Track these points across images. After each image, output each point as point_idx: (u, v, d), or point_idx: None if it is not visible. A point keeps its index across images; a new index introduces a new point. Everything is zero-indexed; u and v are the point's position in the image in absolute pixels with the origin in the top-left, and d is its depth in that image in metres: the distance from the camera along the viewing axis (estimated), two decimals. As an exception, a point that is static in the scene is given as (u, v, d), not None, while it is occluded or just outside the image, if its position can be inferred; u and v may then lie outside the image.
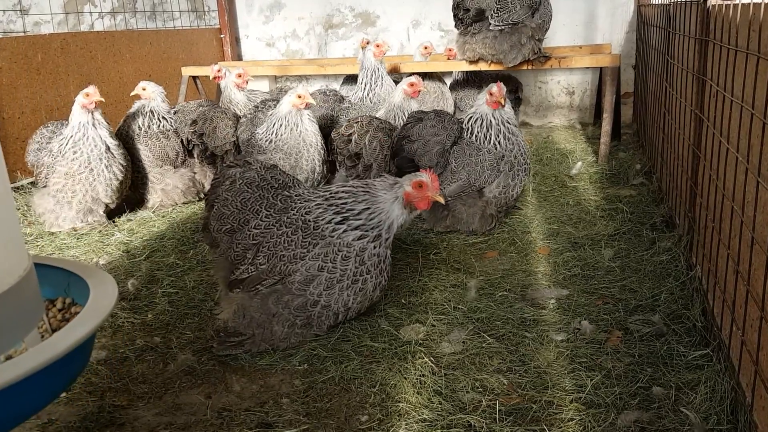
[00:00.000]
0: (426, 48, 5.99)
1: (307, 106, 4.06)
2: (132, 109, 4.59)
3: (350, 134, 3.91)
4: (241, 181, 2.71)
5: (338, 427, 2.08)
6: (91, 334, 1.56)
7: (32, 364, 1.38)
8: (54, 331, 1.77)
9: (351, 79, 6.15)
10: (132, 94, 4.60)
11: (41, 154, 4.17)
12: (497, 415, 2.07)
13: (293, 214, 2.59)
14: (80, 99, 3.97)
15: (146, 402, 2.27)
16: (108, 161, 4.04)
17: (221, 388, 2.34)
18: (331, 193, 2.65)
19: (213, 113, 4.35)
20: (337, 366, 2.41)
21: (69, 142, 4.00)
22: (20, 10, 5.73)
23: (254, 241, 2.57)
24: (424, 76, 5.75)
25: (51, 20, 5.90)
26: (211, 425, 2.12)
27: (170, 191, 4.51)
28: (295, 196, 2.69)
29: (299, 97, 4.02)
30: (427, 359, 2.41)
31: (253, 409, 2.20)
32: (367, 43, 5.49)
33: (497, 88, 3.65)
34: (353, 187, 2.66)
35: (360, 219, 2.55)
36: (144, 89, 4.55)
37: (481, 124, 3.68)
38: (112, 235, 3.99)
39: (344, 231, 2.53)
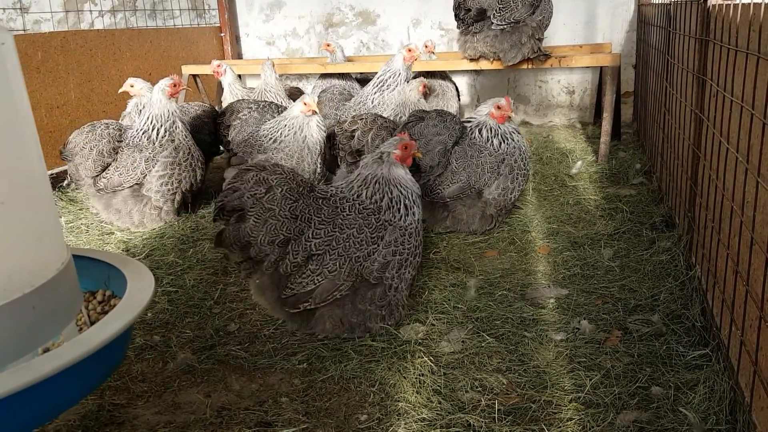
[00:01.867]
0: (427, 47, 6.00)
1: (313, 113, 4.02)
2: (127, 109, 4.59)
3: (353, 130, 3.92)
4: (280, 189, 2.51)
5: (337, 426, 2.08)
6: (125, 329, 1.56)
7: (65, 359, 1.39)
8: (93, 323, 1.78)
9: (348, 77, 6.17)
10: (120, 91, 4.59)
11: (126, 152, 3.92)
12: (496, 415, 2.07)
13: (348, 215, 2.58)
14: (166, 88, 3.92)
15: (146, 401, 2.27)
16: (194, 148, 4.08)
17: (221, 387, 2.34)
18: (359, 187, 2.68)
19: (240, 105, 4.39)
20: (336, 365, 2.41)
21: (164, 132, 3.92)
22: (20, 9, 5.72)
23: (318, 251, 2.50)
24: (431, 75, 5.78)
25: (51, 18, 5.89)
26: (211, 424, 2.12)
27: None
28: (330, 197, 2.65)
29: (305, 104, 4.00)
30: (426, 358, 2.42)
31: (253, 408, 2.20)
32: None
33: (506, 102, 3.64)
34: (366, 176, 2.70)
35: (398, 199, 2.66)
36: (132, 86, 4.54)
37: (486, 133, 3.68)
38: (112, 233, 3.99)
39: (399, 213, 2.63)
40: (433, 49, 5.75)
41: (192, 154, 4.06)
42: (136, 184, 3.93)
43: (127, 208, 3.97)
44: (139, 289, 1.73)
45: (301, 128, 4.04)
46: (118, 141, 3.96)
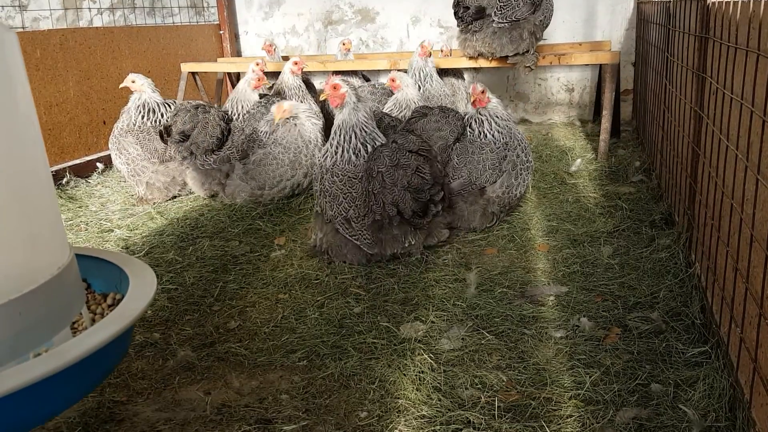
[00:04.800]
0: (423, 47, 5.98)
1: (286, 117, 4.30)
2: (128, 105, 4.59)
3: None
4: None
5: (337, 423, 2.09)
6: (111, 339, 1.50)
7: (42, 369, 1.35)
8: None
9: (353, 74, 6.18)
10: (121, 86, 4.59)
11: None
12: (496, 412, 2.07)
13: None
14: (252, 80, 4.87)
15: (145, 398, 2.28)
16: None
17: (220, 384, 2.34)
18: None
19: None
20: (336, 362, 2.42)
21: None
22: (19, 6, 5.71)
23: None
24: (446, 72, 5.81)
25: (50, 16, 5.88)
26: (211, 421, 2.12)
27: (154, 185, 4.51)
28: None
29: (283, 110, 4.28)
30: (426, 356, 2.42)
31: (253, 405, 2.20)
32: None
33: (471, 89, 3.72)
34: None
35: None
36: (133, 81, 4.54)
37: (475, 122, 3.71)
38: (111, 231, 3.99)
39: None
40: (431, 49, 5.68)
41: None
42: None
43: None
44: (135, 297, 1.69)
45: (294, 123, 4.26)
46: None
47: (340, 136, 3.31)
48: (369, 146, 3.30)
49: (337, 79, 3.34)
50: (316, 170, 3.42)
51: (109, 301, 1.88)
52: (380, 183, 3.10)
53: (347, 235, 3.26)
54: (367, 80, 6.29)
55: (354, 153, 3.29)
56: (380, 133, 3.39)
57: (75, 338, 1.51)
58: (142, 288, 1.73)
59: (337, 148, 3.31)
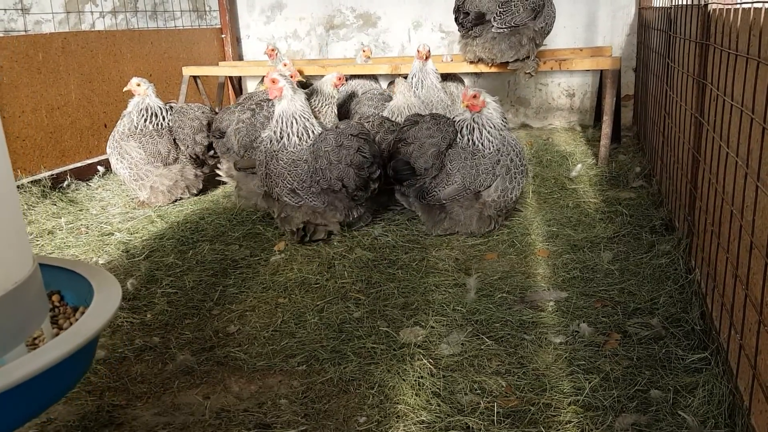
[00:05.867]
0: (419, 52, 5.98)
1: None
2: (128, 108, 4.60)
3: None
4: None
5: (336, 428, 2.08)
6: (60, 360, 1.39)
7: None
8: None
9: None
10: (125, 89, 4.61)
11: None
12: (495, 417, 2.07)
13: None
14: (334, 80, 4.92)
15: (145, 402, 2.27)
16: None
17: (220, 388, 2.34)
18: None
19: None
20: (335, 367, 2.41)
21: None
22: (21, 9, 5.73)
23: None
24: (447, 77, 5.81)
25: (52, 19, 5.90)
26: (210, 426, 2.12)
27: (158, 188, 4.52)
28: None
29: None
30: (425, 361, 2.42)
31: (252, 409, 2.20)
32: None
33: (462, 95, 3.72)
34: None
35: None
36: (138, 85, 4.56)
37: (466, 129, 3.70)
38: (112, 234, 3.99)
39: None
40: (426, 53, 5.64)
41: None
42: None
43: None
44: (94, 315, 1.58)
45: None
46: None
47: (283, 123, 3.70)
48: (310, 131, 3.71)
49: (274, 74, 3.75)
50: (260, 156, 3.79)
51: (78, 315, 1.80)
52: (327, 160, 3.52)
53: (294, 203, 3.69)
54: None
55: (298, 137, 3.69)
56: (316, 121, 3.81)
57: (12, 362, 1.38)
58: (103, 305, 1.63)
59: (281, 134, 3.70)
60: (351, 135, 3.54)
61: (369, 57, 6.31)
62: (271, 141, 3.73)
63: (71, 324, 1.73)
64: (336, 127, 3.66)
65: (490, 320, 2.72)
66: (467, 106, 3.67)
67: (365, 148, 3.54)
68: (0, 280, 1.43)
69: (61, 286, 1.91)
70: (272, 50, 6.44)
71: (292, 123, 3.68)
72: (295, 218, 3.70)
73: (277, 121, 3.73)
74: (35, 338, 1.65)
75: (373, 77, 6.14)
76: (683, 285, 2.86)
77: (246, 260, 3.51)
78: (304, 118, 3.72)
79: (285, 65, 5.43)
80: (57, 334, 1.64)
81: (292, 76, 5.03)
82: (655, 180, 4.27)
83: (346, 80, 5.67)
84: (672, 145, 3.59)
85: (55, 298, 1.87)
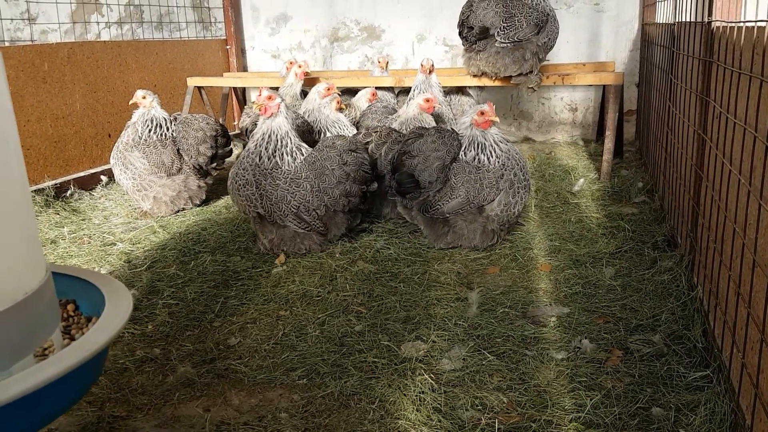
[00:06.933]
0: (422, 66, 6.00)
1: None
2: (133, 119, 4.62)
3: (367, 143, 4.03)
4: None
5: (337, 442, 2.08)
6: (59, 376, 1.36)
7: None
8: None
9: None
10: (131, 102, 4.63)
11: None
12: (496, 434, 2.06)
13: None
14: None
15: (145, 413, 2.27)
16: None
17: (220, 401, 2.33)
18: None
19: None
20: (336, 381, 2.41)
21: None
22: (28, 19, 5.77)
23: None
24: (453, 90, 5.83)
25: (58, 29, 5.94)
26: (210, 439, 2.12)
27: (161, 199, 4.53)
28: None
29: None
30: (427, 376, 2.41)
31: (252, 423, 2.19)
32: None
33: (489, 107, 3.68)
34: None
35: None
36: (144, 97, 4.58)
37: (470, 145, 3.69)
38: (114, 244, 4.00)
39: None
40: (430, 67, 5.66)
41: None
42: None
43: None
44: (100, 330, 1.54)
45: None
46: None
47: (277, 141, 3.69)
48: (303, 149, 3.74)
49: (267, 91, 3.74)
50: (248, 176, 3.68)
51: (90, 326, 1.78)
52: (335, 179, 3.63)
53: (300, 229, 3.68)
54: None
55: (292, 156, 3.70)
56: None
57: (13, 376, 1.36)
58: (111, 318, 1.61)
59: (273, 152, 3.68)
60: (351, 151, 3.69)
61: (385, 68, 6.30)
62: (260, 158, 3.69)
63: (83, 335, 1.72)
64: (333, 144, 3.73)
65: (491, 335, 2.72)
66: (484, 122, 3.67)
67: (366, 164, 3.71)
68: (10, 291, 1.42)
69: (77, 296, 1.90)
70: (292, 63, 6.33)
71: (287, 142, 3.71)
72: (294, 246, 3.76)
73: (269, 138, 3.70)
74: (45, 348, 1.64)
75: (391, 89, 6.14)
76: (685, 302, 2.85)
77: (248, 272, 3.51)
78: (296, 136, 3.78)
79: (300, 66, 5.70)
80: (67, 345, 1.64)
81: (329, 89, 5.04)
82: (658, 195, 4.27)
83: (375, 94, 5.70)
84: (675, 161, 3.59)
85: (70, 307, 1.86)
